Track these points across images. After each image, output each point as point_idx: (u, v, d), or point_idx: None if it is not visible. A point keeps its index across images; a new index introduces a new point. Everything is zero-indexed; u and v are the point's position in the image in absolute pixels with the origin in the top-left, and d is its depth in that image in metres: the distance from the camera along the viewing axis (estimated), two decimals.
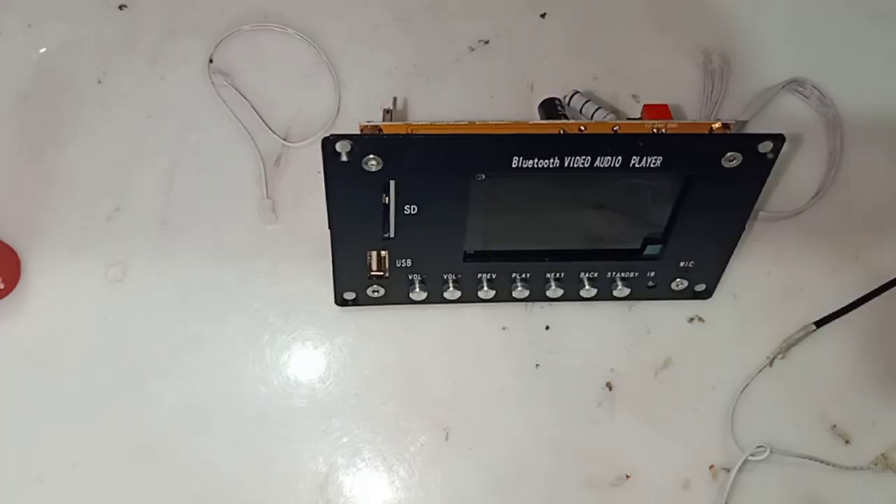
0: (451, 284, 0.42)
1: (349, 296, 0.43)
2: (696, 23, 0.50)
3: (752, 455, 0.42)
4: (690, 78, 0.50)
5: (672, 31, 0.50)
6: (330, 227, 0.39)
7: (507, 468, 0.42)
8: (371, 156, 0.36)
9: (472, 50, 0.51)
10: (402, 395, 0.43)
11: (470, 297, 0.43)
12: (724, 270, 0.44)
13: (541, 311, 0.45)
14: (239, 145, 0.46)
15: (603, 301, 0.44)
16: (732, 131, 0.38)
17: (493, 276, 0.42)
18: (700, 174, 0.38)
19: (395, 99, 0.45)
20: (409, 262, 0.41)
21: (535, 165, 0.36)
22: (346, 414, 0.42)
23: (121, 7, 0.47)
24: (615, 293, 0.43)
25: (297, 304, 0.44)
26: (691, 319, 0.45)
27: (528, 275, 0.43)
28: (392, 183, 0.37)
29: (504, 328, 0.44)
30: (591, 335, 0.44)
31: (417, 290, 0.42)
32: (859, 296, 0.45)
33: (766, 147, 0.37)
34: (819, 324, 0.44)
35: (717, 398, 0.43)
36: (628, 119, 0.45)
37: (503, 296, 0.43)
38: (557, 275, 0.43)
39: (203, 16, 0.47)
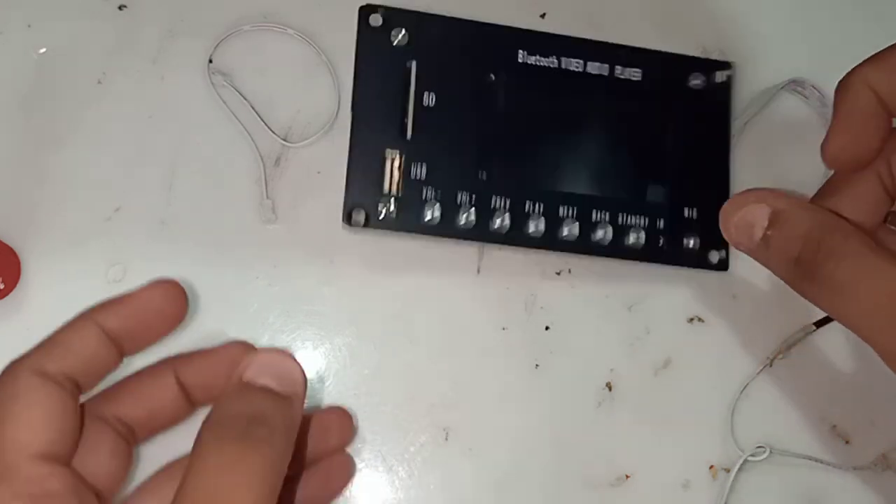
0: (465, 206, 0.42)
1: (358, 215, 0.42)
2: (696, 23, 0.50)
3: (751, 455, 0.42)
4: None
5: (672, 31, 0.50)
6: (352, 118, 0.42)
7: (507, 468, 0.42)
8: (400, 28, 0.42)
9: None
10: (402, 396, 0.43)
11: (483, 230, 0.42)
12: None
13: (541, 311, 0.45)
14: (239, 145, 0.46)
15: (616, 259, 0.44)
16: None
17: (508, 202, 0.43)
18: (673, 95, 0.45)
19: None
20: (423, 172, 0.42)
21: (537, 63, 0.44)
22: None
23: (121, 7, 0.47)
24: (629, 243, 0.43)
25: (296, 304, 0.44)
26: (691, 319, 0.45)
27: (541, 206, 0.43)
28: (414, 64, 0.42)
29: (504, 328, 0.44)
30: (591, 335, 0.44)
31: (432, 209, 0.42)
32: None
33: (721, 77, 0.46)
34: (819, 324, 0.44)
35: (717, 398, 0.43)
36: None
37: (517, 229, 0.43)
38: (570, 209, 0.43)
39: (203, 16, 0.47)
